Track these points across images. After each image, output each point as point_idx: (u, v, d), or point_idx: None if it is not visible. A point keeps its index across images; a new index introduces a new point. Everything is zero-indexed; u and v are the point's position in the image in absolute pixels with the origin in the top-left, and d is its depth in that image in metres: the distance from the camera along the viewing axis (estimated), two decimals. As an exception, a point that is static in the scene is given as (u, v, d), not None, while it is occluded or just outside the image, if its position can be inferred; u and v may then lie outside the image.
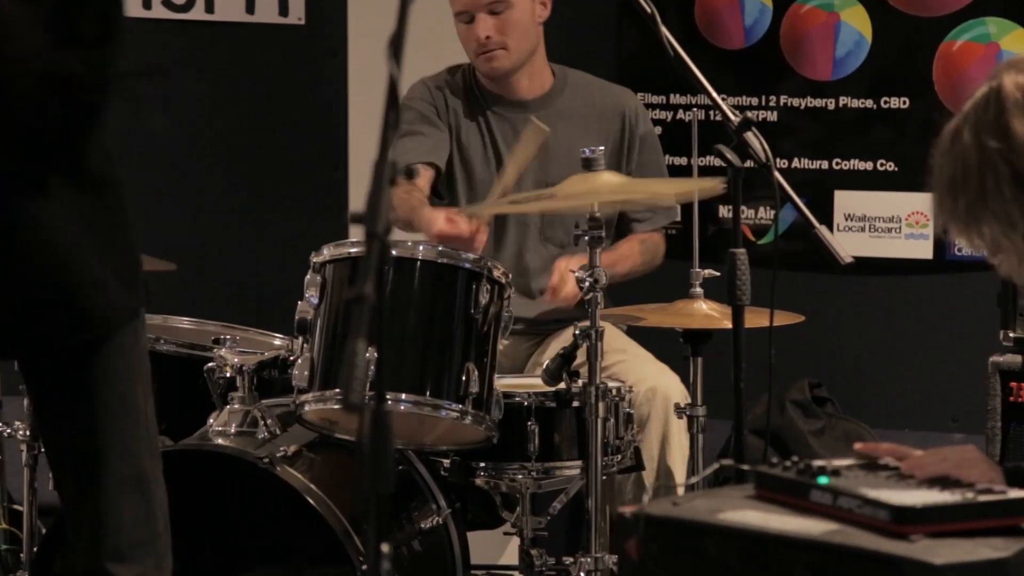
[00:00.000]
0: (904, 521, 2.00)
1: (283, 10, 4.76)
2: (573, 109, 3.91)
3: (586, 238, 3.18)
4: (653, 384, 3.59)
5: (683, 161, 4.09)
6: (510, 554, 3.67)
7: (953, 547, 1.97)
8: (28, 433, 3.52)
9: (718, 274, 3.43)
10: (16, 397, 3.54)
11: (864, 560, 1.97)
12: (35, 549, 3.23)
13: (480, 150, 3.89)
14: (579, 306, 3.40)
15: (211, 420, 3.30)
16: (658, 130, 4.46)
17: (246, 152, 4.82)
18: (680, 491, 3.51)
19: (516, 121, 3.85)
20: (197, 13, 4.73)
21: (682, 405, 3.48)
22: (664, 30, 3.11)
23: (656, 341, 3.76)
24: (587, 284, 3.18)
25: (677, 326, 3.48)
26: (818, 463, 2.21)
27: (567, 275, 3.54)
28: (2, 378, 3.65)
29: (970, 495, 2.07)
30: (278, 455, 3.19)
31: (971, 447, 2.28)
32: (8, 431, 3.57)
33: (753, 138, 3.02)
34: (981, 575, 1.97)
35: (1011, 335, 3.64)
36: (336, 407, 3.12)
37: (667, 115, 4.57)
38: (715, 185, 3.17)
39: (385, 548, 1.81)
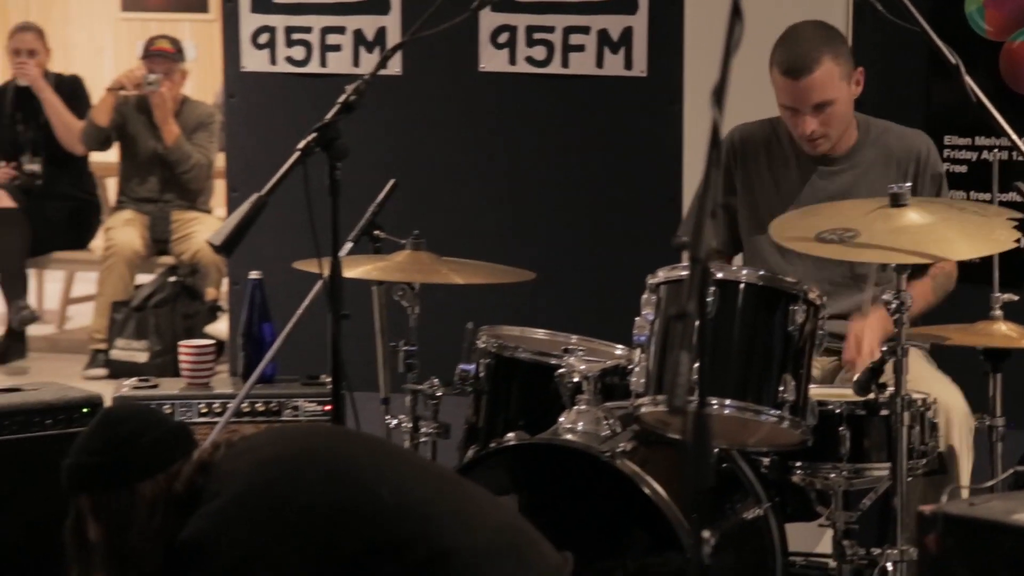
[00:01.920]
0: None
1: (628, 64, 4.85)
2: (874, 159, 3.82)
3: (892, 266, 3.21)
4: (934, 397, 3.50)
5: (986, 196, 4.06)
6: (824, 544, 3.64)
7: None
8: (411, 425, 3.68)
9: (1016, 298, 3.45)
10: (400, 394, 3.75)
11: None
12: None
13: (772, 189, 3.84)
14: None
15: (561, 419, 3.35)
16: (963, 168, 4.43)
17: (594, 189, 4.94)
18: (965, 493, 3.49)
19: (823, 173, 3.82)
20: (555, 68, 4.89)
21: (966, 421, 3.44)
22: (968, 78, 3.14)
23: (959, 358, 3.73)
24: (894, 306, 3.21)
25: (978, 345, 3.50)
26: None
27: (862, 342, 3.50)
28: (390, 378, 3.81)
29: None
30: (618, 450, 3.23)
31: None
32: (395, 422, 3.71)
33: (1050, 174, 3.02)
34: None
35: None
36: (664, 409, 3.14)
37: (972, 155, 4.52)
38: (1010, 243, 3.16)
39: (706, 534, 1.79)
